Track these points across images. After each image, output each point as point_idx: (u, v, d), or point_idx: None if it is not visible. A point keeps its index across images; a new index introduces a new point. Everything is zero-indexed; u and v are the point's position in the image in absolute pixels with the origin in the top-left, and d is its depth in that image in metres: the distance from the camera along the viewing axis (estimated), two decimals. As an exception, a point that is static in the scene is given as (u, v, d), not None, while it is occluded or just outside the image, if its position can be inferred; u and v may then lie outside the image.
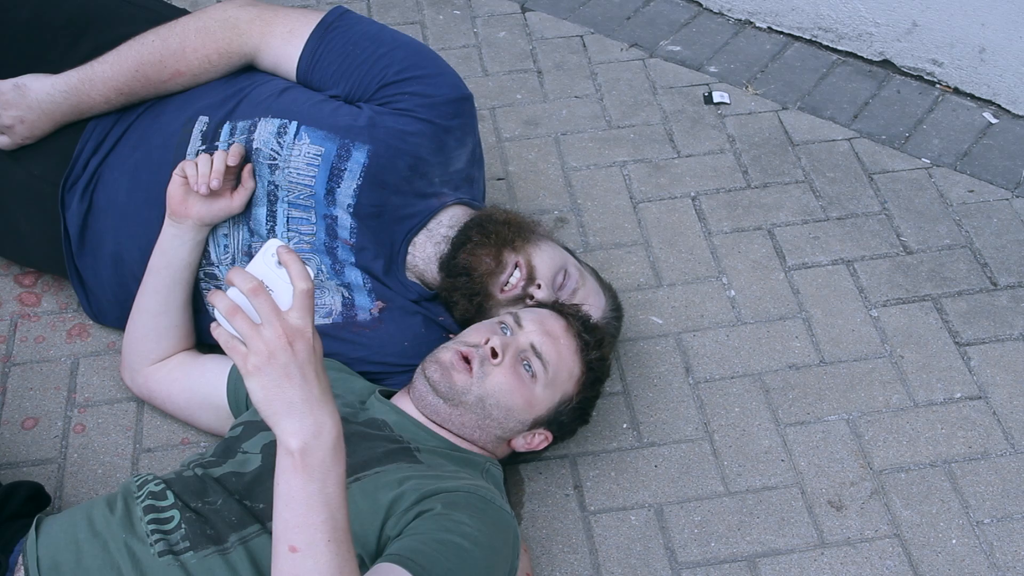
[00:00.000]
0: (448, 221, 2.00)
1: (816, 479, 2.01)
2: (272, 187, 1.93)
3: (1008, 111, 2.71)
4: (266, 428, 1.47)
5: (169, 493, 1.61)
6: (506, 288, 1.94)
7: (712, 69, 2.82)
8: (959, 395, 2.14)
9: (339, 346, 1.95)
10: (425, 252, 1.98)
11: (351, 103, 1.99)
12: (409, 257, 1.99)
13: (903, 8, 2.72)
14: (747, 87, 2.77)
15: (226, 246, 1.95)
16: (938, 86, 2.78)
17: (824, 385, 2.16)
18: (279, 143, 1.92)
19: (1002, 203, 2.50)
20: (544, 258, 1.96)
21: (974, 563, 1.90)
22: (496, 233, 1.94)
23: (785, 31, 2.92)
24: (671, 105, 2.72)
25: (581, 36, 2.90)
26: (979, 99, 2.74)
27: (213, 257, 1.96)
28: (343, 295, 1.95)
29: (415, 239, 1.98)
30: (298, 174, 1.92)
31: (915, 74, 2.79)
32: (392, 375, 1.96)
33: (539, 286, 1.93)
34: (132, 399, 2.08)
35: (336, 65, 1.99)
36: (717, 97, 2.73)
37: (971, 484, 2.01)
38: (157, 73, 2.00)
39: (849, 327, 2.25)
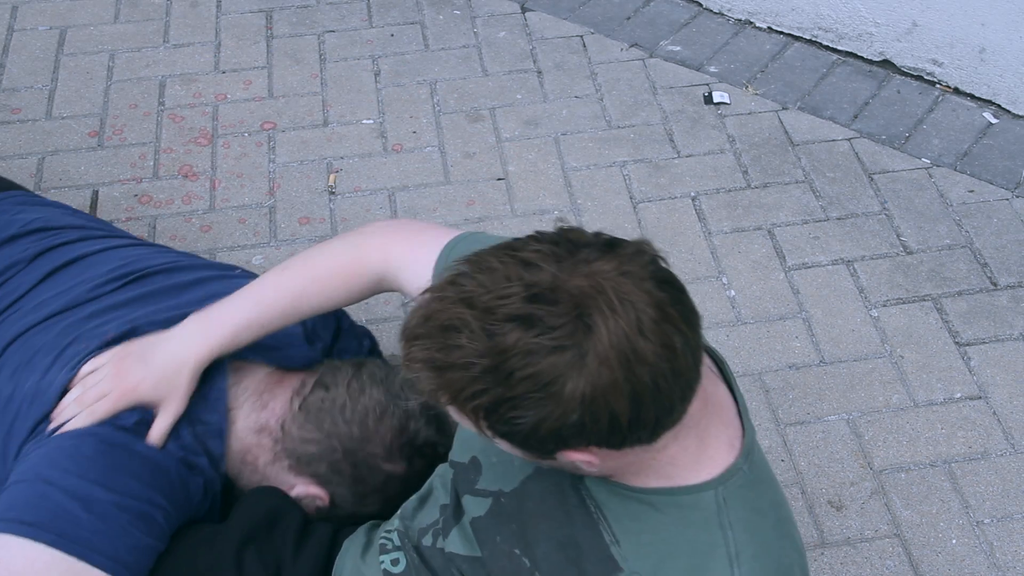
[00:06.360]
0: None
1: (816, 479, 2.01)
2: None
3: (1008, 111, 2.71)
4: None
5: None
6: None
7: (712, 69, 2.82)
8: (959, 395, 2.15)
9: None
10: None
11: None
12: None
13: (903, 8, 2.72)
14: (747, 87, 2.77)
15: None
16: (938, 86, 2.78)
17: (824, 385, 2.16)
18: None
19: (1002, 203, 2.50)
20: None
21: (974, 563, 1.90)
22: None
23: (785, 31, 2.92)
24: (671, 105, 2.72)
25: (581, 36, 2.90)
26: (979, 99, 2.74)
27: None
28: None
29: None
30: None
31: (915, 74, 2.79)
32: None
33: None
34: (132, 399, 2.08)
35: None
36: (717, 97, 2.73)
37: (971, 484, 2.01)
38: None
39: (849, 327, 2.25)
